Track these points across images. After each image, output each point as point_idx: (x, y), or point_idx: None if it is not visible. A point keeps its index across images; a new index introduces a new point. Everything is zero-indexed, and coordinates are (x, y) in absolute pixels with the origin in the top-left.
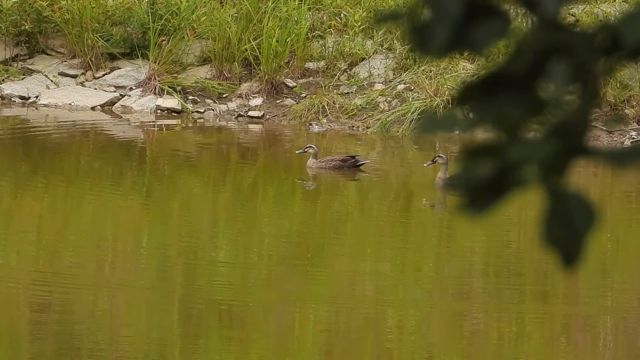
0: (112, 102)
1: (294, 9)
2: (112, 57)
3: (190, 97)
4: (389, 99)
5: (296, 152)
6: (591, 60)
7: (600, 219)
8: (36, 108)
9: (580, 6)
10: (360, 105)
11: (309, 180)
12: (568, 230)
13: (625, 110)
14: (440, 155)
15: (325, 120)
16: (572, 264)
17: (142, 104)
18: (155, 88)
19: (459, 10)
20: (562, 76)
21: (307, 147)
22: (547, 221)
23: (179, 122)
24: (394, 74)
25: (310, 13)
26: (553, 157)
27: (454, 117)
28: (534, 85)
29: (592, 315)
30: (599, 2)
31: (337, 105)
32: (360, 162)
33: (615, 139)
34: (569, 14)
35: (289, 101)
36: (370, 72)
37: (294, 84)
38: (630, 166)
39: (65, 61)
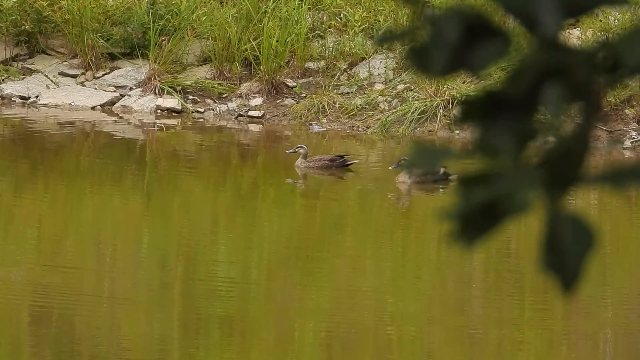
0: (112, 102)
1: (294, 9)
2: (112, 57)
3: (190, 97)
4: (389, 98)
5: (286, 152)
6: (591, 80)
7: (598, 242)
8: (36, 108)
9: None
10: (360, 105)
11: (298, 179)
12: (565, 255)
13: (625, 110)
14: (406, 158)
15: (325, 120)
16: (570, 289)
17: (142, 103)
18: (155, 88)
19: (457, 33)
20: (559, 100)
21: (297, 147)
22: (544, 246)
23: (179, 122)
24: (394, 74)
25: (310, 13)
26: (550, 184)
27: (444, 151)
28: (534, 107)
29: (592, 327)
30: None
31: (337, 105)
32: (349, 162)
33: (616, 139)
34: None
35: (289, 101)
36: (370, 72)
37: (294, 84)
38: (630, 187)
39: (65, 61)
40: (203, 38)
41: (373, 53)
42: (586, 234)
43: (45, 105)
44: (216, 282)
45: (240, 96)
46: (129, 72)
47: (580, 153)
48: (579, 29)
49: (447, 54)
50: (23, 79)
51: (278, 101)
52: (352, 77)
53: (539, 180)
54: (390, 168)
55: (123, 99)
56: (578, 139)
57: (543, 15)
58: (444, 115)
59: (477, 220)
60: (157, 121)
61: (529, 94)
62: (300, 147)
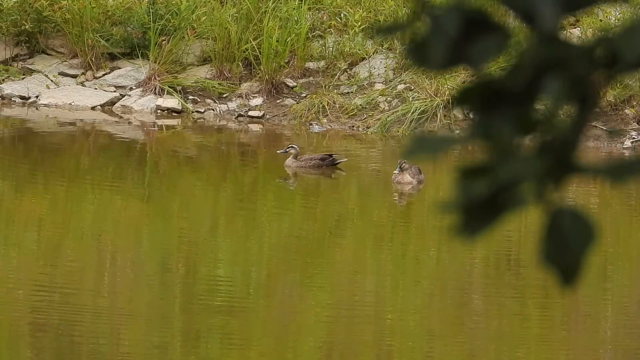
0: (112, 102)
1: (294, 8)
2: (112, 57)
3: (191, 97)
4: (389, 98)
5: (277, 151)
6: (589, 74)
7: (598, 236)
8: (36, 108)
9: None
10: (360, 105)
11: (289, 179)
12: (565, 248)
13: (626, 110)
14: (405, 161)
15: (325, 120)
16: (570, 283)
17: (142, 103)
18: (156, 88)
19: (457, 27)
20: (559, 92)
21: (288, 147)
22: (544, 239)
23: (179, 122)
24: (394, 74)
25: (310, 13)
26: (547, 174)
27: (444, 139)
28: (532, 100)
29: (592, 343)
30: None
31: (337, 105)
32: (338, 161)
33: (615, 139)
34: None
35: (289, 101)
36: (370, 72)
37: (294, 84)
38: (628, 180)
39: (65, 61)
40: (203, 38)
41: (373, 53)
42: (586, 227)
43: (46, 105)
44: (215, 294)
45: (240, 96)
46: (129, 72)
47: (573, 144)
48: (579, 29)
49: (446, 48)
50: (23, 79)
51: (278, 101)
52: (352, 77)
53: (539, 171)
54: (394, 172)
55: (123, 99)
56: (573, 130)
57: (542, 10)
58: (444, 115)
59: (479, 212)
60: (157, 121)
61: (527, 87)
62: (291, 147)
